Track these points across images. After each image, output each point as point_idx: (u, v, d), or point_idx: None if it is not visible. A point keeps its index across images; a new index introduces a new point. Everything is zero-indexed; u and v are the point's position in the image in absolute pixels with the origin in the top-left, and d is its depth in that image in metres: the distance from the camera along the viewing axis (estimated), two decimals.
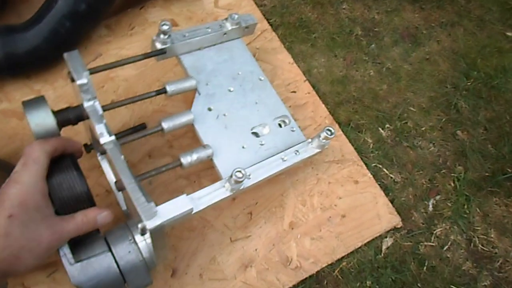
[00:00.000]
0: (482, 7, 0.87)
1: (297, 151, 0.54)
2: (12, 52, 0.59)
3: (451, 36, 0.82)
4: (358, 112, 0.72)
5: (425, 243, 0.64)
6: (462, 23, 0.84)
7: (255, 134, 0.55)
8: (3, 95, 0.64)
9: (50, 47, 0.62)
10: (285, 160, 0.52)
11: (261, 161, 0.52)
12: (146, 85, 0.68)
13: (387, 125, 0.71)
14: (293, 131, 0.56)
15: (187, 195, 0.44)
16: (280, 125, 0.57)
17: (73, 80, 0.47)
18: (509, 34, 0.84)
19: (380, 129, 0.71)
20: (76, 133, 0.60)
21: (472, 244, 0.65)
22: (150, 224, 0.39)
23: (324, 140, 0.53)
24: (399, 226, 0.63)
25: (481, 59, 0.80)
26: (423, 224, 0.65)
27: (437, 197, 0.67)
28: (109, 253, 0.40)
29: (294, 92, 0.70)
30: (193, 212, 0.44)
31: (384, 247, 0.62)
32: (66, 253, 0.40)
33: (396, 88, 0.75)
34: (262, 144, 0.54)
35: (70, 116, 0.47)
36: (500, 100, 0.76)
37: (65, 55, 0.48)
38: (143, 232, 0.39)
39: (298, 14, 0.79)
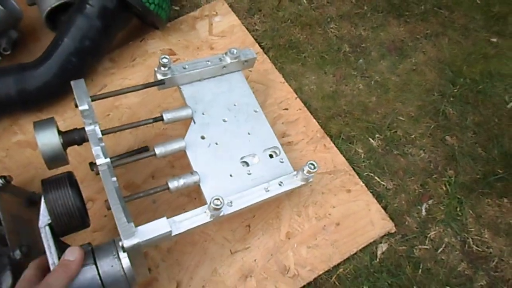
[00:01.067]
0: (466, 16, 0.90)
1: (282, 182, 0.56)
2: (24, 89, 0.66)
3: (436, 46, 0.86)
4: (349, 125, 0.75)
5: (420, 246, 0.66)
6: (447, 33, 0.88)
7: (245, 163, 0.58)
8: (18, 128, 0.70)
9: (59, 82, 0.68)
10: (268, 191, 0.54)
11: (246, 190, 0.54)
12: (148, 111, 0.73)
13: (377, 135, 0.74)
14: (282, 162, 0.59)
15: (168, 218, 0.47)
16: (271, 156, 0.59)
17: (76, 106, 0.52)
18: (493, 40, 0.87)
19: (370, 139, 0.74)
20: (86, 149, 0.65)
21: (466, 245, 0.66)
22: (127, 242, 0.43)
23: (307, 174, 0.55)
24: (393, 231, 0.66)
25: (467, 66, 0.83)
26: (417, 228, 0.67)
27: (430, 202, 0.70)
28: (94, 266, 0.44)
29: (286, 109, 0.74)
30: (172, 235, 0.47)
31: (379, 252, 0.65)
32: (55, 262, 0.43)
33: (384, 99, 0.79)
34: (249, 174, 0.57)
35: (75, 137, 0.53)
36: (487, 104, 0.79)
37: (72, 83, 0.54)
38: (124, 249, 0.43)
39: (288, 36, 0.84)
